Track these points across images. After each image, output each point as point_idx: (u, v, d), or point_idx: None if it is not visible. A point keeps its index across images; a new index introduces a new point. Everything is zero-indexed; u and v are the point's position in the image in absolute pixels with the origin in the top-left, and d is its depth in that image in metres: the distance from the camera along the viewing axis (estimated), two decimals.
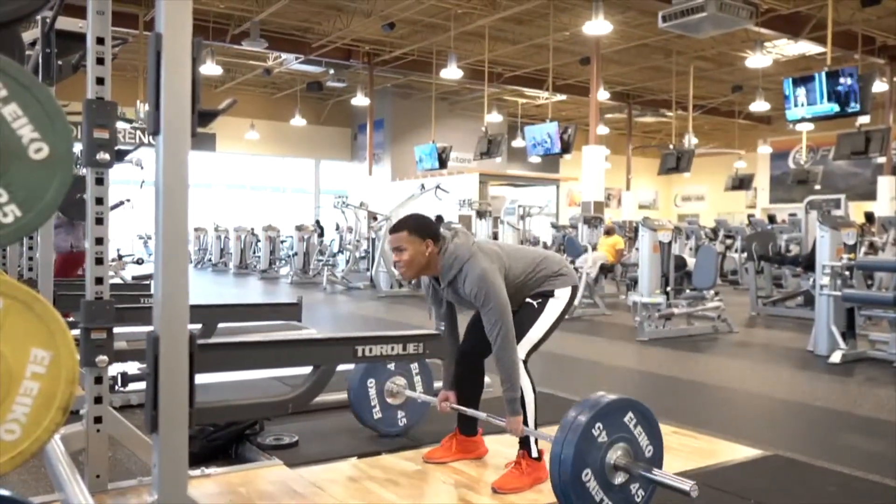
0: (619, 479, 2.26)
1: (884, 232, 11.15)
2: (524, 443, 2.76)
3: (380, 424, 3.28)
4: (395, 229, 2.76)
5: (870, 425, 4.06)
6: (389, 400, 3.31)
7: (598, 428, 2.21)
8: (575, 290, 2.91)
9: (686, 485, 2.16)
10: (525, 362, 2.76)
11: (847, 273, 6.02)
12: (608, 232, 10.79)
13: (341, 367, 3.16)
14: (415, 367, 3.39)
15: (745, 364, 6.04)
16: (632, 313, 7.42)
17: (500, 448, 3.08)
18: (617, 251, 10.35)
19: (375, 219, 12.51)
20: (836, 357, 5.75)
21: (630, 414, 2.29)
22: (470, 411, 2.92)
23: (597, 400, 2.27)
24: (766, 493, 2.80)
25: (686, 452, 3.23)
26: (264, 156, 23.93)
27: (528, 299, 2.81)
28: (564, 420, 2.25)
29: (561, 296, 2.84)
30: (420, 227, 2.74)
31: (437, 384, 3.30)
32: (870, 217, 13.49)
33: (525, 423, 2.74)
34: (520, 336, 2.72)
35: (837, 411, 4.35)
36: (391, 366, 3.30)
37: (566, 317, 2.89)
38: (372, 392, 3.27)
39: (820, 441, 3.78)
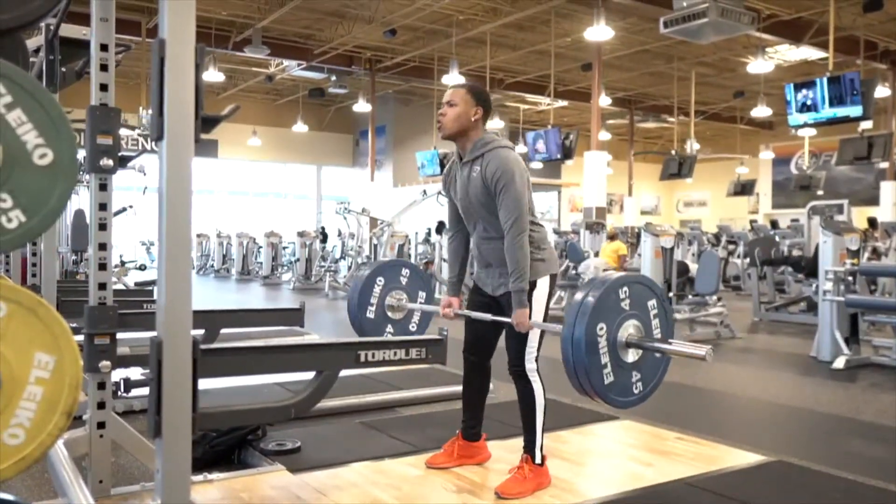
0: (632, 356, 2.24)
1: (887, 237, 11.14)
2: (528, 447, 2.76)
3: (367, 325, 3.27)
4: (457, 86, 2.83)
5: (874, 431, 4.05)
6: (389, 313, 3.30)
7: (625, 293, 2.22)
8: (553, 278, 2.81)
9: (700, 350, 2.15)
10: (538, 370, 2.76)
11: (850, 278, 6.02)
12: (611, 237, 10.81)
13: (344, 373, 3.16)
14: (422, 296, 3.43)
15: (749, 370, 6.03)
16: None
17: (503, 454, 3.08)
18: (620, 257, 10.36)
19: (377, 224, 12.53)
20: (839, 363, 5.73)
21: (639, 291, 2.30)
22: (475, 314, 2.86)
23: (604, 279, 2.30)
24: (770, 498, 2.80)
25: (689, 458, 3.22)
26: (266, 162, 23.97)
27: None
28: (574, 301, 2.29)
29: (542, 286, 2.76)
30: (479, 93, 2.81)
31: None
32: (873, 222, 13.47)
33: (532, 425, 2.73)
34: (522, 346, 2.73)
35: (841, 417, 4.34)
36: (403, 280, 3.30)
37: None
38: (377, 290, 3.27)
39: (823, 447, 3.76)
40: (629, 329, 2.23)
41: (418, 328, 3.45)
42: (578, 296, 2.24)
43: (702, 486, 2.88)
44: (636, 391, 2.29)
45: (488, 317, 2.82)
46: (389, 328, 3.33)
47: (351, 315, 3.29)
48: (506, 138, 2.85)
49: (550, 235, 13.67)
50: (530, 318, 2.71)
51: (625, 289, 2.23)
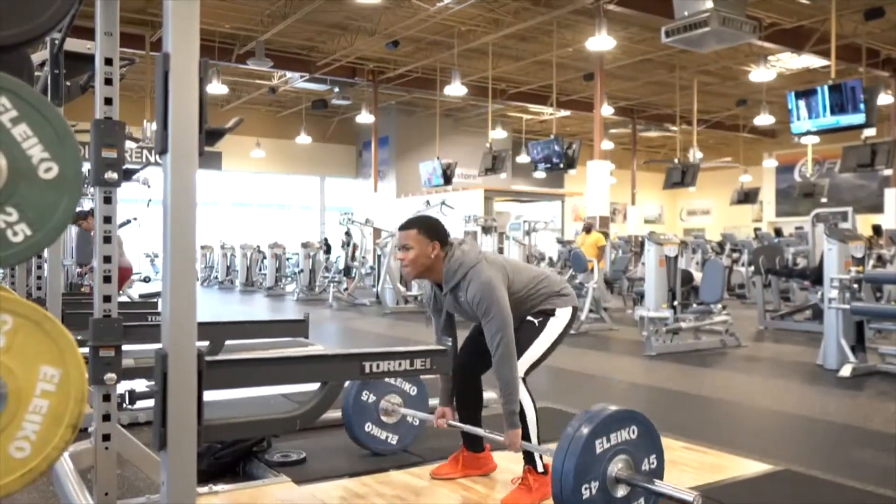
0: (621, 492, 2.24)
1: (891, 244, 11.13)
2: (529, 457, 2.75)
3: (371, 441, 3.28)
4: (404, 227, 2.77)
5: (881, 440, 4.03)
6: (384, 418, 3.32)
7: (601, 441, 2.21)
8: (576, 310, 2.92)
9: (689, 496, 2.15)
10: (524, 379, 2.75)
11: (856, 286, 6.00)
12: (587, 230, 10.65)
13: (348, 384, 3.16)
14: (413, 388, 3.40)
15: (754, 378, 6.01)
16: (639, 328, 7.39)
17: (509, 464, 3.06)
18: (599, 249, 10.24)
19: (380, 235, 12.54)
20: (845, 371, 5.71)
21: (632, 426, 2.29)
22: (467, 427, 2.90)
23: (598, 412, 2.27)
24: None
25: (695, 467, 3.21)
26: (270, 173, 24.05)
27: (529, 317, 2.81)
28: (565, 433, 2.24)
29: (562, 315, 2.85)
30: (429, 228, 2.76)
31: (434, 402, 3.29)
32: (877, 230, 13.46)
33: (527, 438, 2.72)
34: (520, 353, 2.71)
35: (848, 426, 4.31)
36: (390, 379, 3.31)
37: (566, 337, 2.88)
38: (370, 399, 3.29)
39: (831, 456, 3.74)
40: (618, 465, 2.24)
41: (404, 438, 3.41)
42: (570, 429, 2.24)
43: (709, 495, 2.86)
44: None
45: (481, 431, 2.85)
46: (393, 435, 3.35)
47: (355, 439, 3.31)
48: (465, 243, 2.79)
49: (554, 245, 13.67)
50: (541, 333, 2.77)
51: (601, 437, 2.23)
